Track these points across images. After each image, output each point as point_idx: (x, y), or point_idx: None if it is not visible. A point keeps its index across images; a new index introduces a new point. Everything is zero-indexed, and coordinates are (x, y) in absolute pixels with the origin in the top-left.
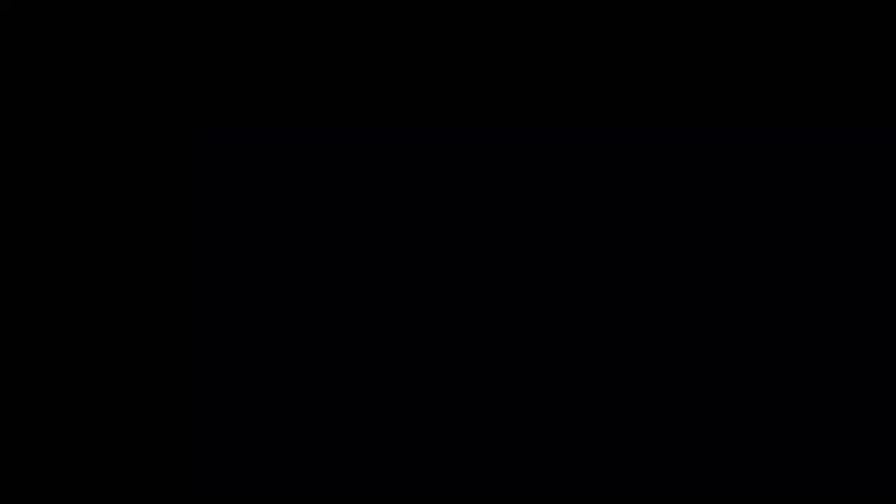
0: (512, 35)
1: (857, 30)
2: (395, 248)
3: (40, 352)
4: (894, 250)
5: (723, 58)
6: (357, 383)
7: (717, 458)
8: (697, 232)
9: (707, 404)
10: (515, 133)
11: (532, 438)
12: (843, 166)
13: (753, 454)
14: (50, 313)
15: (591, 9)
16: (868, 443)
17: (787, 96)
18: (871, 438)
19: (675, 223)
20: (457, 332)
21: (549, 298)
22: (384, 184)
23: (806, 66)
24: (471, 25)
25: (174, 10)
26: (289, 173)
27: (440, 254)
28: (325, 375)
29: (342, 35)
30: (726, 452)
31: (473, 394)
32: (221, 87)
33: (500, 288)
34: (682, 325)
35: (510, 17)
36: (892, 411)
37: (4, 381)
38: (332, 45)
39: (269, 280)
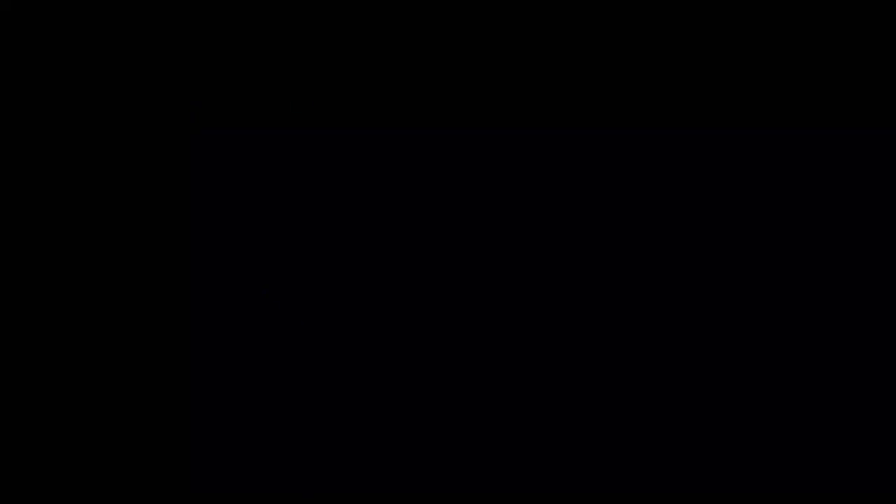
0: (512, 35)
1: (857, 30)
2: (394, 248)
3: (40, 352)
4: (894, 250)
5: (723, 58)
6: (357, 383)
7: (717, 458)
8: (698, 232)
9: (707, 404)
10: (515, 133)
11: (532, 438)
12: (843, 166)
13: (753, 454)
14: (50, 313)
15: (591, 9)
16: (868, 443)
17: (787, 96)
18: (871, 438)
19: (675, 223)
20: (457, 332)
21: (549, 298)
22: (384, 184)
23: (806, 66)
24: (471, 25)
25: (174, 10)
26: (289, 173)
27: (440, 254)
28: (325, 375)
29: (342, 35)
30: (726, 452)
31: (473, 394)
32: (221, 87)
33: (500, 288)
34: (682, 325)
35: (510, 17)
36: (892, 411)
37: (4, 381)
38: (332, 45)
39: (269, 280)
